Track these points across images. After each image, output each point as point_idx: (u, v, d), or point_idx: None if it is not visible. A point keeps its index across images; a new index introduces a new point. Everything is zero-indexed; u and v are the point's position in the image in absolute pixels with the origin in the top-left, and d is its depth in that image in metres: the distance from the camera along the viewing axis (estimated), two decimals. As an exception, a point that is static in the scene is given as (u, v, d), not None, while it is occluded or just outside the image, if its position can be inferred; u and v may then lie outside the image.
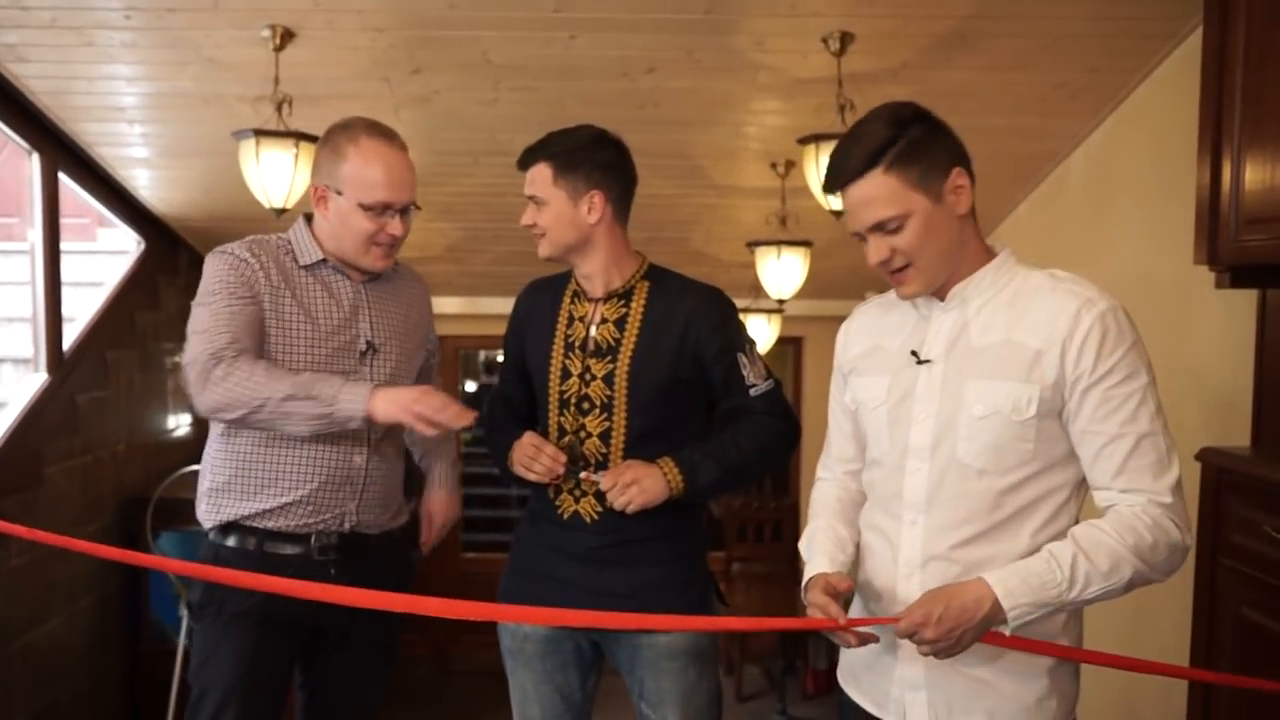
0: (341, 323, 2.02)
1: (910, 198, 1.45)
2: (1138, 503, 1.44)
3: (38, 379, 3.45)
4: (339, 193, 1.97)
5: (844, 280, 4.94)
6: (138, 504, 3.88)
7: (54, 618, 3.49)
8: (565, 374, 1.97)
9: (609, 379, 1.93)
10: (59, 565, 3.49)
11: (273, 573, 1.86)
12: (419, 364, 2.20)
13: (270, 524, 2.00)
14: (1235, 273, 2.13)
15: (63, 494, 3.54)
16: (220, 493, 2.02)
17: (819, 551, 1.62)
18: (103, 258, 4.38)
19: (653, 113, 3.35)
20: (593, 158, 1.93)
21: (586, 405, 1.95)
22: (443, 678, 5.35)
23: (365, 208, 1.96)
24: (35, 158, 3.41)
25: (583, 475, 1.92)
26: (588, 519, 1.95)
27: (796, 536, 5.96)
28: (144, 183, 3.96)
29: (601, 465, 1.94)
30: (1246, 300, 2.44)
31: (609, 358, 1.94)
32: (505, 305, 5.75)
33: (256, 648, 1.99)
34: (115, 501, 3.92)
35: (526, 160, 1.97)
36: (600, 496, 1.92)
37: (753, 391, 1.95)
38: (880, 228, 1.47)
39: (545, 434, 1.99)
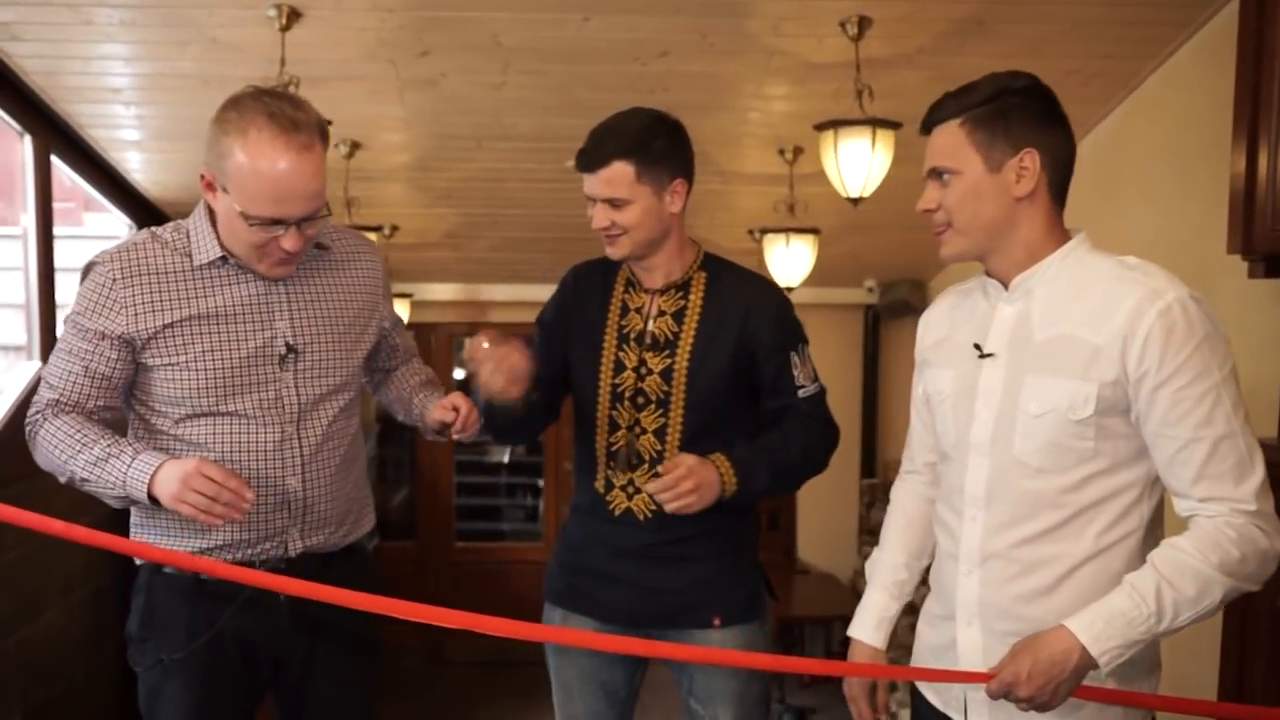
0: (251, 327, 1.74)
1: (968, 157, 1.44)
2: (1220, 512, 1.37)
3: (31, 366, 3.37)
4: (224, 189, 1.65)
5: (845, 268, 4.93)
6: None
7: (49, 611, 3.42)
8: (619, 367, 1.90)
9: (667, 374, 1.88)
10: (54, 559, 3.41)
11: (216, 607, 1.71)
12: (362, 354, 1.90)
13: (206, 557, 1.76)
14: (1269, 263, 2.11)
15: (56, 485, 3.45)
16: (143, 531, 1.80)
17: (875, 592, 1.70)
18: (92, 243, 4.29)
19: (662, 97, 3.29)
20: (671, 145, 1.84)
21: (642, 400, 1.89)
22: (435, 669, 5.31)
23: (248, 218, 1.64)
24: (28, 140, 3.31)
25: (646, 487, 1.83)
26: (640, 516, 1.90)
27: (793, 525, 5.93)
28: (137, 166, 3.87)
29: (656, 462, 1.88)
30: (1270, 289, 2.43)
31: (667, 352, 1.88)
32: (501, 292, 5.70)
33: (204, 694, 1.78)
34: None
35: (596, 160, 1.81)
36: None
37: (801, 393, 1.90)
38: (937, 175, 1.47)
39: (591, 426, 1.93)
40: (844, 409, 5.61)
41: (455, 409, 1.81)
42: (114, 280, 1.70)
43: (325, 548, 1.84)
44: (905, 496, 1.74)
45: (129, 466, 1.65)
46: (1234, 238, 2.13)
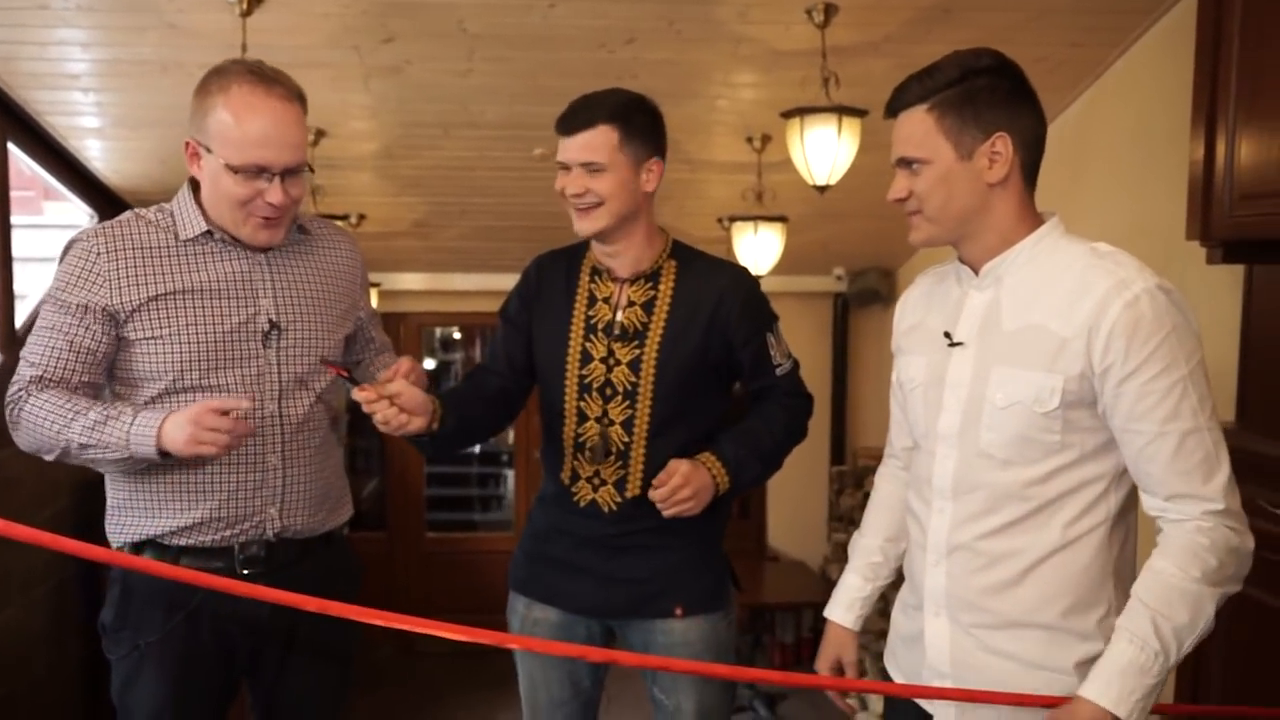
0: (235, 303, 1.75)
1: (937, 145, 1.40)
2: (1189, 515, 1.35)
3: (-11, 357, 3.31)
4: (208, 150, 1.68)
5: (814, 256, 4.94)
6: (92, 488, 3.74)
7: (9, 606, 3.37)
8: (586, 357, 1.88)
9: (635, 365, 1.86)
10: (12, 554, 3.36)
11: (193, 592, 1.70)
12: (341, 339, 1.91)
13: (184, 541, 1.76)
14: (1228, 249, 2.14)
15: (16, 476, 3.41)
16: (121, 510, 1.79)
17: (850, 574, 1.73)
18: (51, 232, 4.22)
19: (630, 85, 3.21)
20: (650, 123, 1.82)
21: (609, 391, 1.87)
22: (407, 660, 5.28)
23: (234, 170, 1.66)
24: (-17, 127, 3.25)
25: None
26: (605, 508, 1.89)
27: (763, 512, 5.94)
28: (96, 154, 3.81)
29: (624, 453, 1.87)
30: (1230, 275, 2.46)
31: (636, 343, 1.86)
32: (470, 281, 5.67)
33: (180, 676, 1.78)
34: (69, 485, 3.78)
35: (581, 121, 1.76)
36: (619, 485, 1.87)
37: (778, 371, 1.91)
38: (905, 163, 1.44)
39: (559, 418, 1.91)
40: (814, 396, 5.67)
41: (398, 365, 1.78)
42: (97, 254, 1.70)
43: (303, 532, 1.83)
44: (885, 481, 1.76)
45: (131, 426, 1.65)
46: (1192, 224, 2.16)
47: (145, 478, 1.76)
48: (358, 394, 1.67)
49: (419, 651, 5.35)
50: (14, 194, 3.40)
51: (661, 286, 1.88)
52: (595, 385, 1.88)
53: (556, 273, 1.94)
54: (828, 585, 4.94)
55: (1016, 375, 1.39)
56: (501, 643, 1.30)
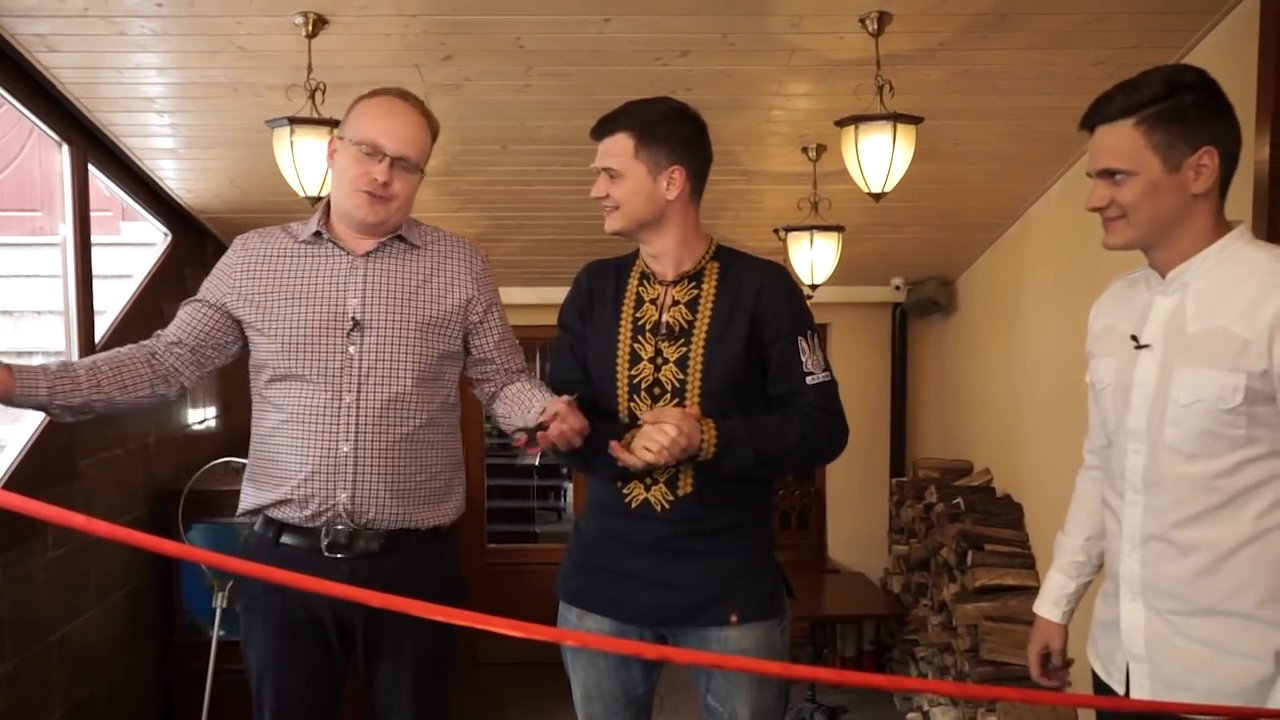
0: (325, 300, 1.95)
1: (1145, 158, 1.46)
2: None
3: (70, 372, 3.44)
4: (342, 136, 1.98)
5: (871, 266, 4.92)
6: (169, 496, 3.87)
7: (89, 610, 3.49)
8: (635, 358, 1.92)
9: (682, 363, 1.89)
10: (93, 559, 3.49)
11: (287, 565, 1.81)
12: (440, 348, 1.99)
13: (281, 515, 1.96)
14: (1294, 248, 2.10)
15: (96, 488, 3.54)
16: (248, 480, 2.04)
17: (1055, 572, 1.85)
18: (128, 250, 4.38)
19: (684, 97, 3.25)
20: (676, 132, 1.88)
21: (658, 390, 1.90)
22: (469, 669, 5.34)
23: (354, 144, 1.93)
24: (65, 150, 3.39)
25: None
26: (658, 507, 1.90)
27: (823, 524, 5.92)
28: (170, 174, 3.95)
29: None
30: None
31: (682, 341, 1.90)
32: (529, 295, 5.75)
33: (279, 636, 1.98)
34: (147, 494, 3.91)
35: (604, 129, 1.91)
36: (671, 484, 1.88)
37: (809, 379, 1.88)
38: (1108, 175, 1.50)
39: (613, 419, 1.94)
40: (873, 407, 5.64)
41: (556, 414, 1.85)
42: (234, 252, 2.04)
43: (385, 523, 1.94)
44: (1084, 483, 1.84)
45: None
46: (1259, 223, 2.12)
47: (257, 454, 2.01)
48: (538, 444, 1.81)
49: (481, 661, 5.41)
50: (93, 214, 3.55)
51: (705, 285, 1.93)
52: (644, 385, 1.91)
53: (606, 279, 2.00)
54: (888, 597, 4.93)
55: (1200, 374, 1.47)
56: (555, 639, 1.33)
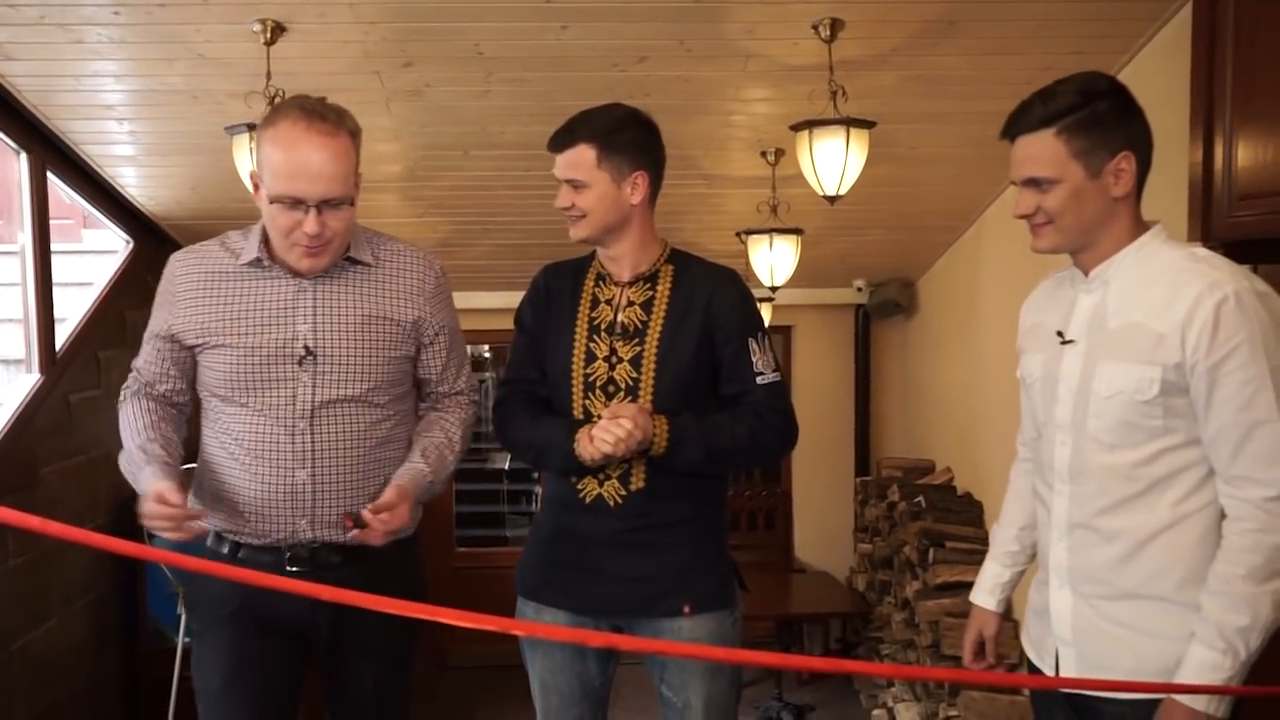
0: (272, 326, 1.86)
1: (1068, 166, 1.52)
2: (1248, 499, 1.46)
3: (30, 379, 3.43)
4: (262, 182, 1.82)
5: (832, 268, 4.97)
6: (133, 504, 3.85)
7: (51, 618, 3.48)
8: (590, 357, 1.96)
9: (636, 361, 1.94)
10: (55, 566, 3.48)
11: (232, 596, 1.87)
12: (393, 366, 1.94)
13: (236, 536, 1.92)
14: (1228, 249, 2.16)
15: (58, 495, 3.53)
16: (196, 498, 1.96)
17: (990, 562, 1.90)
18: (90, 258, 4.36)
19: (643, 103, 3.27)
20: (635, 138, 1.92)
21: (612, 388, 1.95)
22: (437, 673, 5.35)
23: (273, 200, 1.78)
24: (23, 157, 3.38)
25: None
26: (611, 503, 1.94)
27: (789, 524, 5.94)
28: (132, 181, 3.94)
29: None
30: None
31: (636, 340, 1.94)
32: (495, 299, 5.73)
33: (236, 651, 1.93)
34: (111, 501, 3.90)
35: (563, 142, 1.92)
36: (624, 479, 1.92)
37: (759, 380, 1.94)
38: (1033, 183, 1.55)
39: (566, 416, 1.97)
40: (837, 408, 5.71)
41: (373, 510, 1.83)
42: (174, 276, 1.93)
43: (344, 540, 1.89)
44: (1017, 475, 1.91)
45: (141, 482, 1.84)
46: (1193, 225, 2.19)
47: (208, 474, 1.95)
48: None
49: (450, 665, 5.42)
50: (54, 222, 3.54)
51: (660, 287, 1.97)
52: (599, 383, 1.95)
53: (563, 280, 2.05)
54: (854, 596, 4.98)
55: (1119, 367, 1.53)
56: (502, 628, 1.35)
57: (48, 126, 3.42)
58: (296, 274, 1.87)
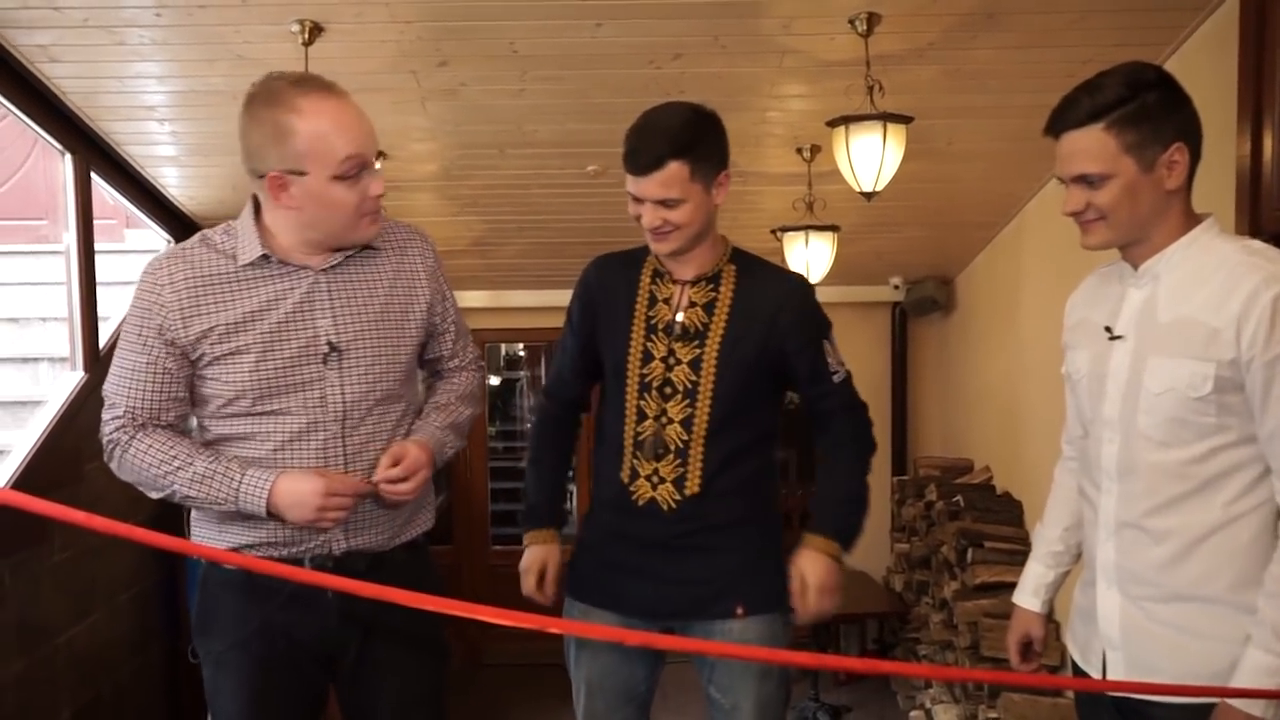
0: (291, 325, 1.73)
1: (1120, 160, 1.48)
2: None
3: (75, 377, 3.49)
4: (302, 174, 1.65)
5: (870, 265, 4.94)
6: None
7: (95, 613, 3.54)
8: (647, 357, 1.93)
9: (695, 364, 1.90)
10: (99, 562, 3.53)
11: (263, 602, 1.75)
12: (410, 351, 1.86)
13: (254, 554, 1.75)
14: (1276, 241, 2.11)
15: (102, 491, 3.57)
16: (199, 524, 1.82)
17: (1033, 563, 1.86)
18: (133, 257, 4.43)
19: (678, 100, 3.34)
20: (714, 138, 1.88)
21: (669, 390, 1.91)
22: (473, 671, 5.37)
23: (341, 178, 1.66)
24: (68, 159, 3.44)
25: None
26: (665, 506, 1.92)
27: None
28: (173, 181, 4.00)
29: (683, 451, 1.90)
30: None
31: (696, 342, 1.91)
32: (529, 298, 5.75)
33: (257, 677, 1.79)
34: (152, 500, 3.95)
35: (651, 164, 1.80)
36: (678, 484, 1.90)
37: (835, 379, 1.95)
38: (1083, 180, 1.51)
39: (619, 416, 1.95)
40: (873, 406, 5.53)
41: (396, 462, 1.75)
42: (161, 286, 1.72)
43: (373, 547, 1.81)
44: (1061, 474, 1.87)
45: (240, 485, 1.69)
46: (1241, 218, 2.14)
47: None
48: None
49: (486, 663, 5.44)
50: (98, 222, 3.60)
51: (722, 289, 1.93)
52: (655, 384, 1.92)
53: (615, 275, 1.99)
54: (891, 596, 4.94)
55: (1171, 363, 1.49)
56: (540, 626, 1.35)
57: (91, 128, 3.47)
58: (303, 268, 1.75)
